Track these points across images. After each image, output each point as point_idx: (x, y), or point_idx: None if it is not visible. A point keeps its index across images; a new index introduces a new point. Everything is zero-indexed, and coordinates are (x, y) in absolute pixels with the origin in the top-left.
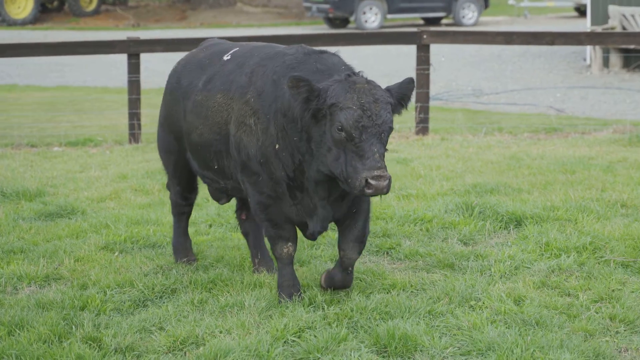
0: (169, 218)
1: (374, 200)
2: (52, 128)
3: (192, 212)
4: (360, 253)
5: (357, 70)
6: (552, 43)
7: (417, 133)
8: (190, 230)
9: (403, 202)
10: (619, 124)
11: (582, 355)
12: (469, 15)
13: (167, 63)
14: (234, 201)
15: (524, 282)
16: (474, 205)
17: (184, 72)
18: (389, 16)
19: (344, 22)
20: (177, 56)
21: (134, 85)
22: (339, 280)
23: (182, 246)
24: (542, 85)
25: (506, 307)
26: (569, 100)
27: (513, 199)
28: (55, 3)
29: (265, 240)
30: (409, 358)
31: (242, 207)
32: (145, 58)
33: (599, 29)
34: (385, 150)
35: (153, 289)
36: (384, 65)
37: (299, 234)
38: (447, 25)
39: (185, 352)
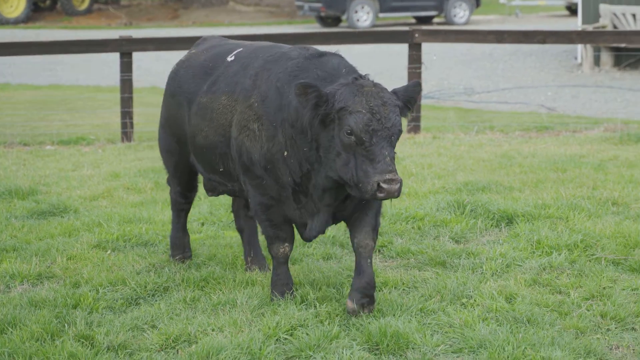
0: (161, 216)
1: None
2: (44, 127)
3: None
4: (374, 240)
5: (356, 69)
6: (543, 42)
7: (409, 131)
8: None
9: (395, 200)
10: (610, 123)
11: (573, 352)
12: (461, 14)
13: (160, 62)
14: (226, 198)
15: (515, 279)
16: (466, 204)
17: (187, 76)
18: (381, 15)
19: (336, 20)
20: (170, 55)
21: (127, 84)
22: (361, 286)
23: (180, 241)
24: (534, 83)
25: (498, 305)
26: (560, 99)
27: (504, 197)
28: (48, 2)
29: (261, 237)
30: (400, 356)
31: (239, 204)
32: (137, 57)
33: (590, 27)
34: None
35: (145, 287)
36: (376, 64)
37: (296, 234)
38: (438, 24)
39: (177, 350)
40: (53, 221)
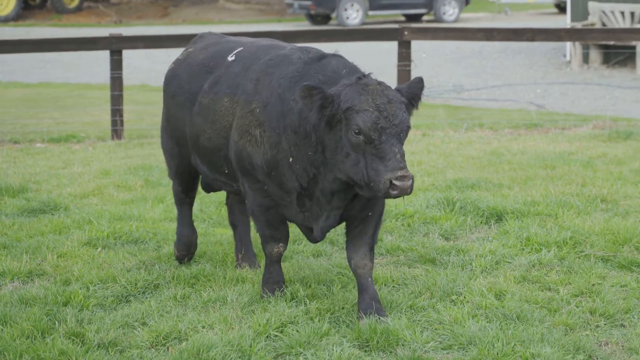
0: (151, 214)
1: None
2: (34, 124)
3: (174, 208)
4: (372, 260)
5: (357, 67)
6: (532, 39)
7: None
8: (173, 225)
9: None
10: (599, 120)
11: (563, 349)
12: (450, 12)
13: (150, 60)
14: (216, 196)
15: (504, 276)
16: (455, 201)
17: (186, 75)
18: (371, 13)
19: (326, 18)
20: (160, 53)
21: (117, 81)
22: (366, 303)
23: (187, 239)
24: (523, 81)
25: (487, 302)
26: (549, 96)
27: (494, 194)
28: (38, 0)
29: (254, 235)
30: (390, 352)
31: (235, 199)
32: (127, 55)
33: (578, 25)
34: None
35: (136, 284)
36: (365, 62)
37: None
38: (428, 21)
39: (168, 347)
40: (43, 219)
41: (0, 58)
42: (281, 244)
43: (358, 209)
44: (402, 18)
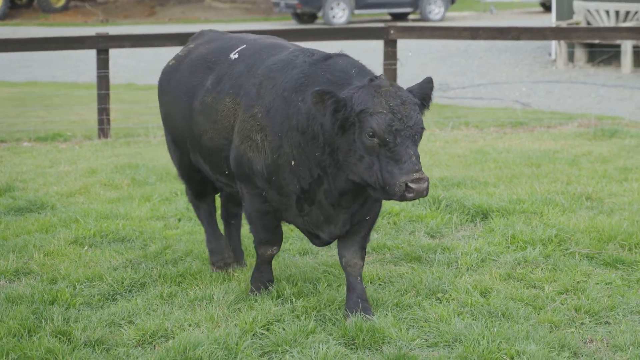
0: (137, 212)
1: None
2: (21, 123)
3: (160, 207)
4: (362, 259)
5: (365, 66)
6: (517, 38)
7: None
8: (160, 224)
9: None
10: (584, 118)
11: (548, 346)
12: (436, 11)
13: (136, 59)
14: None
15: (490, 274)
16: (441, 199)
17: (186, 71)
18: (357, 12)
19: (312, 17)
20: (146, 51)
21: (103, 80)
22: (354, 302)
23: (216, 245)
24: (508, 79)
25: (473, 299)
26: (535, 95)
27: (479, 192)
28: None
29: (246, 234)
30: (376, 350)
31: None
32: (114, 54)
33: (564, 24)
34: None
35: (122, 282)
36: None
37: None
38: (414, 20)
39: (154, 346)
40: (30, 217)
41: None
42: (275, 247)
43: (365, 213)
44: (388, 17)
